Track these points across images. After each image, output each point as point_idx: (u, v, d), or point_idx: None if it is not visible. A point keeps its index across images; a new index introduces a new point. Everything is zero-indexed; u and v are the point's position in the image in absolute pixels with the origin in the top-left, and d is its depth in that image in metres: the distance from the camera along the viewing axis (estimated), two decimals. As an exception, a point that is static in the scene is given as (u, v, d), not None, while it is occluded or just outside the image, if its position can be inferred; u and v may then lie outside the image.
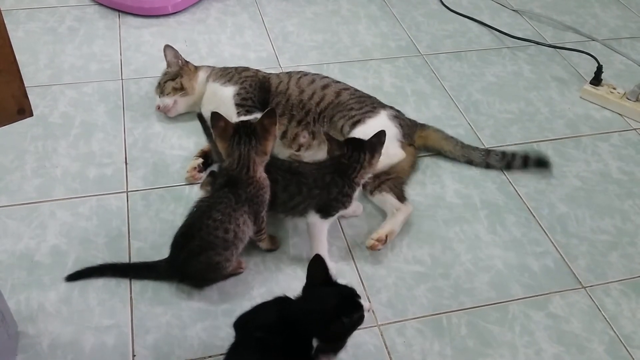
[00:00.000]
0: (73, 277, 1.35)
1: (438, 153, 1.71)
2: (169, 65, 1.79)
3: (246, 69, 1.76)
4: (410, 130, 1.65)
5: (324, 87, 1.67)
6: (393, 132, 1.58)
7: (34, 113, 0.97)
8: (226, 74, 1.72)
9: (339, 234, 1.50)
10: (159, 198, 1.55)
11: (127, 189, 1.57)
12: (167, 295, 1.34)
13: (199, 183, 1.58)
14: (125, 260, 1.40)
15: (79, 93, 1.86)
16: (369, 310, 1.13)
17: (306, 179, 1.38)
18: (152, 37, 2.11)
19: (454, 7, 2.38)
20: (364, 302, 1.12)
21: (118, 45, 2.07)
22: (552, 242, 1.52)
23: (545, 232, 1.55)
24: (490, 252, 1.49)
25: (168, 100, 1.74)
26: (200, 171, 1.60)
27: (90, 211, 1.51)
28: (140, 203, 1.53)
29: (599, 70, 1.98)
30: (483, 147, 1.74)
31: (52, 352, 1.22)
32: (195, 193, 1.55)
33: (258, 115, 1.57)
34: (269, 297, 1.25)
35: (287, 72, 1.75)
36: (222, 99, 1.68)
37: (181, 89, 1.74)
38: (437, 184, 1.64)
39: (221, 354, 1.15)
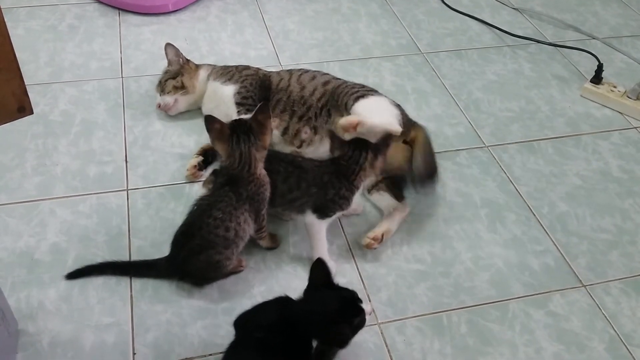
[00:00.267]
0: (73, 275, 1.35)
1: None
2: (169, 63, 1.78)
3: (247, 67, 1.75)
4: (408, 125, 1.64)
5: (325, 83, 1.66)
6: (394, 112, 1.55)
7: (34, 111, 0.96)
8: (227, 73, 1.72)
9: (339, 232, 1.50)
10: (159, 196, 1.55)
11: (127, 187, 1.57)
12: (167, 293, 1.34)
13: (199, 181, 1.58)
14: (126, 258, 1.40)
15: (79, 91, 1.86)
16: (370, 314, 1.13)
17: (306, 174, 1.37)
18: (153, 35, 2.11)
19: (454, 5, 2.37)
20: (365, 305, 1.12)
21: (118, 43, 2.06)
22: (553, 241, 1.53)
23: (545, 230, 1.55)
24: (490, 250, 1.49)
25: (169, 99, 1.74)
26: (200, 169, 1.60)
27: (91, 209, 1.51)
28: (140, 201, 1.53)
29: (600, 68, 1.98)
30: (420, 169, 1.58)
31: (52, 350, 1.22)
32: (196, 191, 1.55)
33: None
34: (269, 296, 1.25)
35: (288, 70, 1.75)
36: (223, 98, 1.68)
37: (182, 88, 1.74)
38: (437, 183, 1.64)
39: (221, 352, 1.14)
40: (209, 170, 1.62)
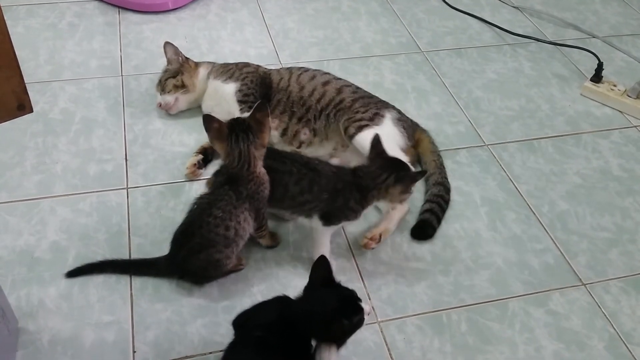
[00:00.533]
0: (73, 274, 1.35)
1: (419, 160, 1.65)
2: (169, 62, 1.78)
3: (247, 64, 1.75)
4: (412, 130, 1.65)
5: (325, 83, 1.66)
6: (398, 140, 1.56)
7: (34, 109, 0.96)
8: (227, 71, 1.72)
9: (339, 230, 1.50)
10: (159, 194, 1.55)
11: (127, 185, 1.57)
12: (167, 291, 1.34)
13: (198, 179, 1.58)
14: (126, 256, 1.40)
15: (79, 89, 1.86)
16: (369, 314, 1.13)
17: (320, 178, 1.33)
18: (153, 33, 2.11)
19: (454, 4, 2.37)
20: (364, 304, 1.12)
21: (118, 42, 2.06)
22: (552, 239, 1.53)
23: (545, 229, 1.55)
24: (490, 249, 1.49)
25: (169, 98, 1.74)
26: (199, 167, 1.60)
27: (91, 207, 1.51)
28: (140, 199, 1.53)
29: (600, 67, 1.98)
30: (444, 187, 1.59)
31: (53, 348, 1.22)
32: (196, 190, 1.55)
33: None
34: (269, 294, 1.26)
35: (288, 68, 1.75)
36: (224, 96, 1.68)
37: (182, 87, 1.74)
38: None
39: (221, 351, 1.15)
40: (210, 169, 1.61)
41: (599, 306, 1.39)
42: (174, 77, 1.74)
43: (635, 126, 1.89)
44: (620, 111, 1.94)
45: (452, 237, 1.51)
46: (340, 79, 1.71)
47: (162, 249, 1.36)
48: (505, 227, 1.55)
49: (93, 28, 2.12)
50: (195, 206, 1.32)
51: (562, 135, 1.83)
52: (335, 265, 1.37)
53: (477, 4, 2.41)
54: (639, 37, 2.29)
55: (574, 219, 1.58)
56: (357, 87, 1.69)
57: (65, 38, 2.07)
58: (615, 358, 1.29)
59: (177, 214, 1.47)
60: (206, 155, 1.63)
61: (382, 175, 1.31)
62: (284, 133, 1.63)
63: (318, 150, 1.62)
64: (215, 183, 1.37)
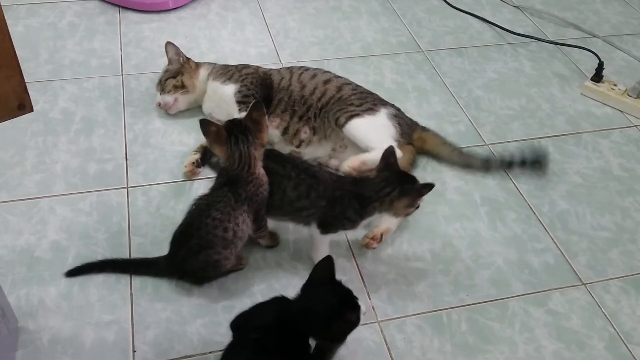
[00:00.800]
0: (73, 273, 1.35)
1: (435, 157, 1.67)
2: (170, 62, 1.78)
3: (246, 66, 1.75)
4: (410, 129, 1.65)
5: (326, 82, 1.66)
6: (390, 131, 1.57)
7: (34, 108, 0.96)
8: (226, 72, 1.72)
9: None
10: (160, 194, 1.55)
11: (127, 184, 1.57)
12: (167, 291, 1.34)
13: (197, 179, 1.58)
14: (126, 256, 1.40)
15: (79, 88, 1.86)
16: (364, 313, 1.12)
17: (318, 185, 1.31)
18: (153, 33, 2.11)
19: (455, 3, 2.37)
20: (361, 303, 1.12)
21: (118, 41, 2.06)
22: (553, 239, 1.53)
23: (545, 228, 1.55)
24: (490, 248, 1.49)
25: (169, 98, 1.73)
26: (198, 166, 1.60)
27: (91, 207, 1.51)
28: (140, 199, 1.53)
29: (600, 66, 1.98)
30: (481, 154, 1.66)
31: (53, 348, 1.22)
32: (196, 189, 1.55)
33: None
34: (269, 294, 1.25)
35: (288, 68, 1.75)
36: (223, 98, 1.68)
37: (182, 87, 1.73)
38: (438, 181, 1.64)
39: (221, 350, 1.14)
40: (209, 169, 1.62)
41: (599, 306, 1.39)
42: (174, 77, 1.74)
43: (636, 126, 1.89)
44: (620, 111, 1.94)
45: (452, 237, 1.51)
46: (340, 77, 1.71)
47: (162, 249, 1.36)
48: (506, 227, 1.55)
49: (93, 27, 2.12)
50: (194, 207, 1.32)
51: (562, 135, 1.83)
52: (335, 265, 1.37)
53: (478, 3, 2.41)
54: (640, 36, 2.30)
55: (574, 219, 1.58)
56: (357, 85, 1.69)
57: (66, 37, 2.06)
58: (615, 358, 1.29)
59: (177, 214, 1.47)
60: (205, 154, 1.63)
61: (386, 188, 1.28)
62: (284, 132, 1.63)
63: (317, 150, 1.62)
64: (215, 184, 1.36)
